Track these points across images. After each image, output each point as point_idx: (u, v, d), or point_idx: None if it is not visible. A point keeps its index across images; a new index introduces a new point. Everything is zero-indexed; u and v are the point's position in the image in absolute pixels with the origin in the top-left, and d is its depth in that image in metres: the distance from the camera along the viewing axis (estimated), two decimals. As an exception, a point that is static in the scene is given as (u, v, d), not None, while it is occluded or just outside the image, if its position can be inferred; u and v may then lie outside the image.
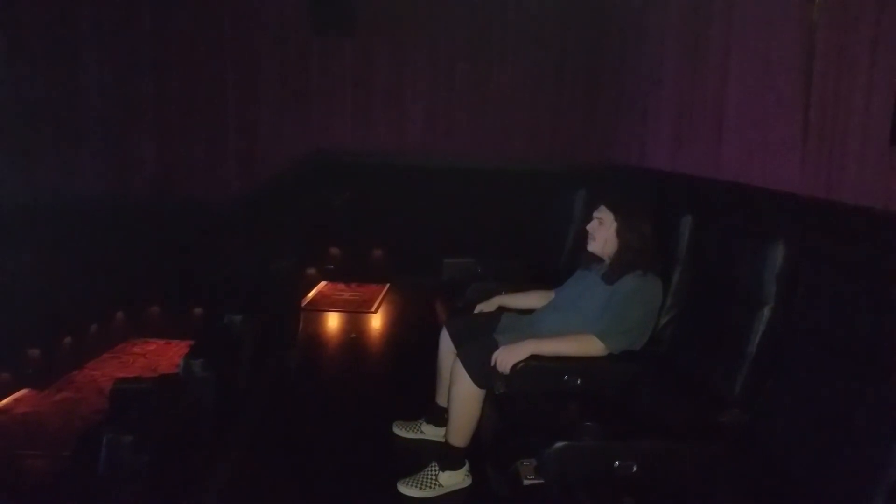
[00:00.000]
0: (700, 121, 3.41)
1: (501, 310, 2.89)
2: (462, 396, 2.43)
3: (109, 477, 1.85)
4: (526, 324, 2.67)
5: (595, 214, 2.60)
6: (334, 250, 5.77)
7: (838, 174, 2.30)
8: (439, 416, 2.78)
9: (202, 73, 5.67)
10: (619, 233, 2.53)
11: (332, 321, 4.81)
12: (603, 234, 2.57)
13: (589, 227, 2.61)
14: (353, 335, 4.51)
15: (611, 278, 2.50)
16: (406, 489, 2.48)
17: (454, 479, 2.50)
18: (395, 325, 4.76)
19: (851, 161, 2.24)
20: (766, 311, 2.02)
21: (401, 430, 2.93)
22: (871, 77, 2.15)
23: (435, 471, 2.49)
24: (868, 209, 2.09)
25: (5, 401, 4.35)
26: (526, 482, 1.86)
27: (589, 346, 2.37)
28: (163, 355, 5.13)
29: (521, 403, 2.27)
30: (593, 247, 2.60)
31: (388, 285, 5.51)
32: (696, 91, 3.46)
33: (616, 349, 2.39)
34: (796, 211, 2.42)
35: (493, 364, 2.36)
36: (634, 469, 1.77)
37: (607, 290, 2.48)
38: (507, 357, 2.33)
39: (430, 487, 2.47)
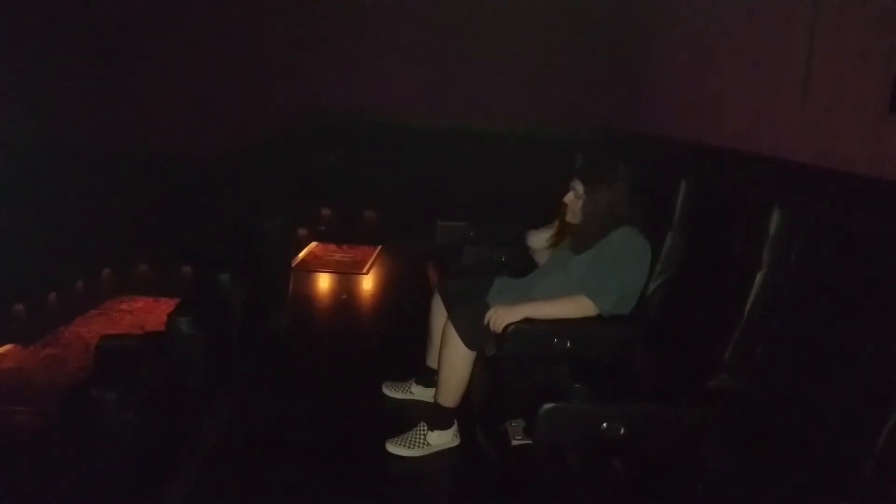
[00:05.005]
0: (698, 87, 3.36)
1: (494, 274, 2.88)
2: (452, 357, 2.44)
3: (95, 433, 1.84)
4: (518, 288, 2.66)
5: (572, 185, 2.60)
6: (326, 211, 5.72)
7: (836, 142, 2.27)
8: (429, 378, 2.79)
9: (195, 28, 5.53)
10: (584, 201, 2.53)
11: (323, 282, 4.79)
12: (578, 205, 2.57)
13: (566, 198, 2.61)
14: (344, 296, 4.50)
15: (578, 248, 2.50)
16: (395, 448, 2.50)
17: (442, 439, 2.51)
18: (387, 287, 4.75)
19: (850, 129, 2.21)
20: (759, 278, 2.01)
21: (390, 391, 2.93)
22: (871, 44, 2.11)
23: (423, 430, 2.51)
24: (865, 177, 2.07)
25: (-10, 355, 4.34)
26: (514, 443, 1.87)
27: (581, 307, 2.37)
28: (151, 313, 5.11)
29: (511, 365, 2.28)
30: (571, 217, 2.61)
31: (380, 247, 5.48)
32: (695, 57, 3.40)
33: (606, 310, 2.38)
34: (793, 178, 2.40)
35: (486, 322, 2.36)
36: (622, 431, 1.77)
37: (590, 252, 2.47)
38: (501, 317, 2.33)
39: (419, 447, 2.49)
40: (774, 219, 2.01)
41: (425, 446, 2.49)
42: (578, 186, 2.56)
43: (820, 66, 2.36)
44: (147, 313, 5.14)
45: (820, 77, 2.36)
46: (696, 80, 3.39)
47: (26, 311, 4.72)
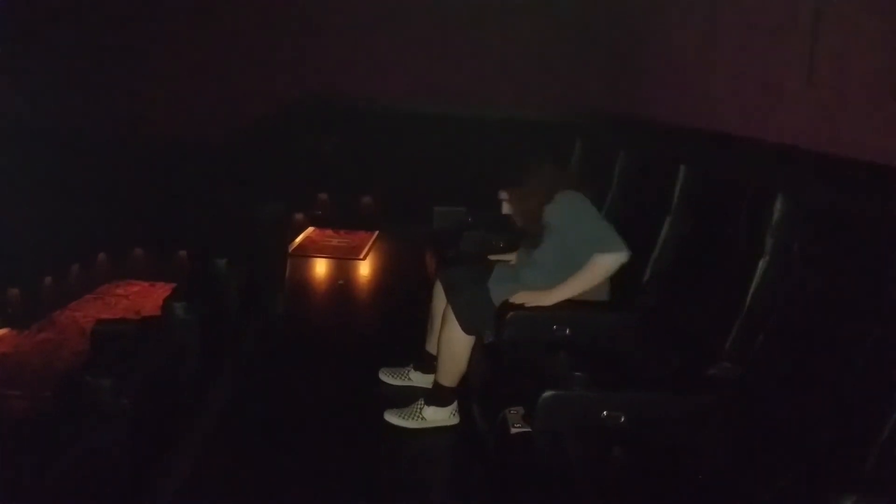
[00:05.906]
0: (700, 70, 3.32)
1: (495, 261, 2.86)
2: (452, 341, 2.45)
3: (90, 419, 1.82)
4: (514, 276, 2.64)
5: (500, 198, 2.63)
6: (323, 196, 5.69)
7: (841, 127, 2.24)
8: (428, 364, 2.78)
9: (190, 13, 5.46)
10: (514, 205, 2.58)
11: (320, 267, 4.77)
12: (517, 209, 2.61)
13: (505, 212, 2.65)
14: (341, 282, 4.48)
15: (534, 242, 2.52)
16: (391, 417, 2.55)
17: (439, 415, 2.53)
18: (384, 273, 4.73)
19: (855, 114, 2.18)
20: (762, 265, 1.99)
21: (387, 377, 2.92)
22: (877, 28, 2.07)
23: (421, 405, 2.55)
24: (870, 163, 2.04)
25: (-16, 340, 4.32)
26: (514, 430, 1.86)
27: (603, 265, 2.33)
28: (147, 297, 5.08)
29: (511, 353, 2.26)
30: (519, 222, 2.64)
31: (377, 232, 5.45)
32: (697, 41, 3.36)
33: (625, 251, 2.32)
34: (796, 164, 2.37)
35: (512, 296, 2.37)
36: (622, 420, 1.76)
37: (554, 236, 2.46)
38: (527, 298, 2.34)
39: (414, 418, 2.53)
40: (777, 205, 1.98)
41: (420, 419, 2.52)
42: (504, 195, 2.61)
43: (825, 50, 2.32)
44: (143, 298, 5.11)
45: (825, 61, 2.33)
46: (698, 64, 3.35)
47: (21, 296, 4.69)
